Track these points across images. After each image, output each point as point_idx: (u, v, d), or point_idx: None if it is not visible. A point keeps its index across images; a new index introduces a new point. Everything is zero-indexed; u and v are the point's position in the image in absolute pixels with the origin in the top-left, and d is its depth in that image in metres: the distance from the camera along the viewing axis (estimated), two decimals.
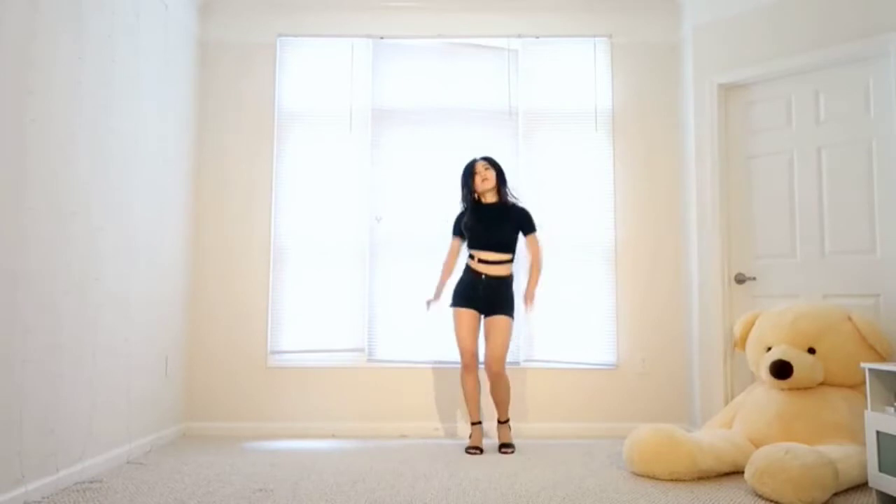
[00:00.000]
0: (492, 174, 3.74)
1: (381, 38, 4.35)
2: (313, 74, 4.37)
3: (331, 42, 4.36)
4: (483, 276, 3.67)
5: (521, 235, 3.78)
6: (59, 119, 2.79)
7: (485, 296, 3.65)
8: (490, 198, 3.78)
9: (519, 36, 4.34)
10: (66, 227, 2.83)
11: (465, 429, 4.07)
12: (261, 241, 4.24)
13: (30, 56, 2.60)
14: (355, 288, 4.24)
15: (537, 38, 4.35)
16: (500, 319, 3.62)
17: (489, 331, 3.63)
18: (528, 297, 3.75)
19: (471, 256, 3.73)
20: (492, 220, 3.73)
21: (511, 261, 3.72)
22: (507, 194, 3.80)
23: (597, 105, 4.32)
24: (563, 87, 4.35)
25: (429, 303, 3.88)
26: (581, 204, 4.28)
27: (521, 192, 4.28)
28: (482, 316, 3.68)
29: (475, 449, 3.57)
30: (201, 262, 4.21)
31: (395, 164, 4.31)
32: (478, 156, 3.84)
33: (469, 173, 3.77)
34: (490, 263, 3.68)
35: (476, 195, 3.78)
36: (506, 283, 3.70)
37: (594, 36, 4.35)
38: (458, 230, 3.83)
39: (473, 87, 4.35)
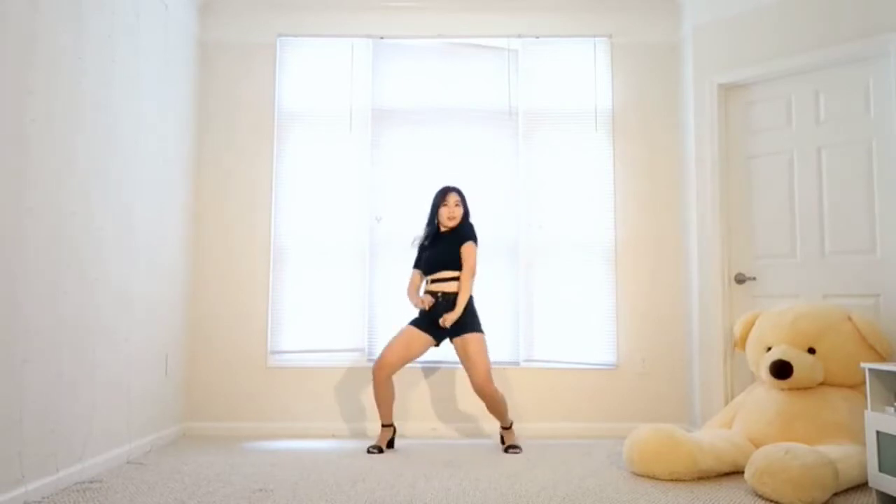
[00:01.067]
0: (459, 212, 3.70)
1: (381, 38, 4.35)
2: (313, 74, 4.37)
3: (331, 42, 4.36)
4: (439, 295, 3.62)
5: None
6: (59, 119, 2.79)
7: (444, 308, 3.59)
8: (447, 228, 3.74)
9: (519, 36, 4.35)
10: (66, 227, 2.83)
11: (465, 429, 4.07)
12: (261, 241, 4.24)
13: (30, 56, 2.60)
14: (355, 288, 4.24)
15: (537, 38, 4.35)
16: (471, 338, 3.55)
17: (465, 354, 3.54)
18: (447, 319, 3.55)
19: (427, 283, 3.70)
20: (441, 244, 3.69)
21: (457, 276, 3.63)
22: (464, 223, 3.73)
23: (597, 105, 4.32)
24: (563, 87, 4.35)
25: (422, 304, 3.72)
26: (581, 204, 4.28)
27: (521, 192, 4.29)
28: (448, 340, 3.63)
29: (375, 448, 3.55)
30: (201, 262, 4.21)
31: (395, 164, 4.31)
32: (451, 185, 3.79)
33: (438, 203, 3.74)
34: (443, 281, 3.63)
35: (437, 221, 3.76)
36: (467, 301, 3.61)
37: (594, 36, 4.35)
38: (420, 262, 3.77)
39: (473, 87, 4.35)
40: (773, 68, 3.70)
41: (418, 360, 4.01)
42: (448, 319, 3.54)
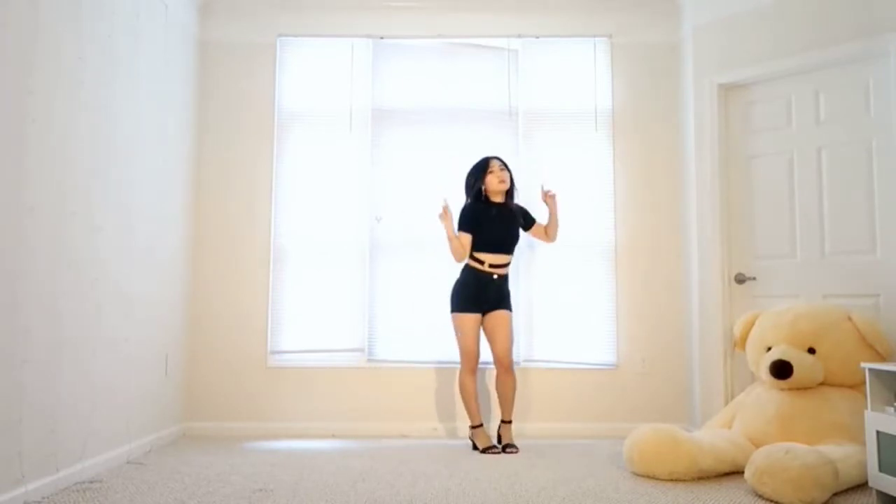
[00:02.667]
0: (507, 176, 3.77)
1: (381, 38, 4.35)
2: (313, 74, 4.37)
3: (331, 42, 4.36)
4: (495, 277, 3.69)
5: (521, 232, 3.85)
6: (60, 119, 2.79)
7: (494, 296, 3.69)
8: (499, 198, 3.79)
9: (519, 36, 4.35)
10: (66, 227, 2.83)
11: (465, 429, 4.07)
12: (261, 241, 4.24)
13: (30, 56, 2.60)
14: (355, 288, 4.24)
15: (537, 38, 4.35)
16: (504, 315, 3.69)
17: (495, 327, 3.67)
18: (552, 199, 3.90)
19: (477, 259, 3.69)
20: (505, 222, 3.75)
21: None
22: (514, 197, 3.84)
23: (597, 105, 4.32)
24: (563, 87, 4.35)
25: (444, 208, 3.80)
26: (581, 204, 4.28)
27: (522, 192, 4.28)
28: (482, 315, 3.70)
29: (493, 448, 3.57)
30: (201, 262, 4.21)
31: (395, 164, 4.31)
32: (489, 154, 3.83)
33: (482, 170, 3.75)
34: (501, 266, 3.71)
35: (485, 194, 3.76)
36: (507, 280, 3.78)
37: (594, 36, 4.35)
38: (468, 226, 3.73)
39: (473, 87, 4.35)
40: (773, 68, 3.70)
41: (419, 360, 4.03)
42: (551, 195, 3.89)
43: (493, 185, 3.73)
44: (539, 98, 4.35)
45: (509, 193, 3.80)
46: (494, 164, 3.76)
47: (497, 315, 3.68)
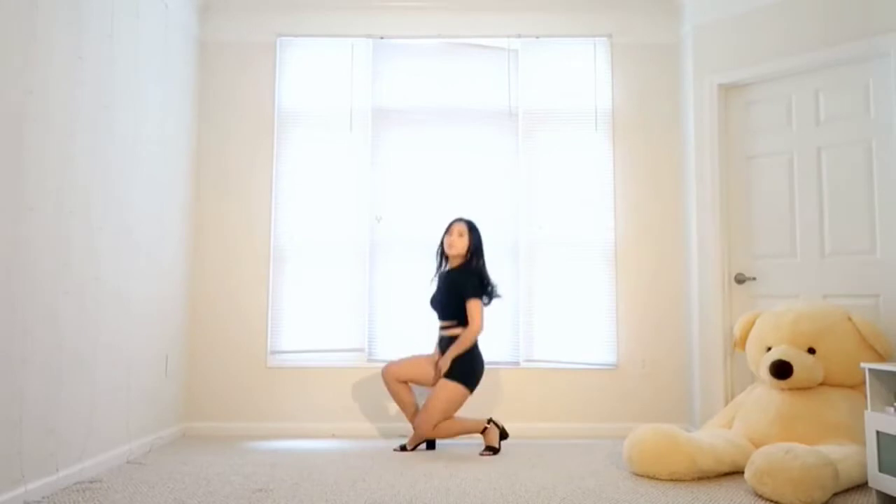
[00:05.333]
0: (462, 242, 3.65)
1: (381, 38, 4.35)
2: (313, 74, 4.37)
3: (331, 42, 4.36)
4: (444, 338, 3.65)
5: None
6: (59, 119, 2.79)
7: (445, 349, 3.62)
8: (454, 262, 3.72)
9: (519, 36, 4.34)
10: (66, 227, 2.83)
11: None
12: (261, 241, 4.24)
13: (30, 55, 2.60)
14: (355, 288, 4.24)
15: (537, 38, 4.35)
16: (445, 385, 3.51)
17: (431, 394, 3.55)
18: (439, 365, 3.58)
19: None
20: (441, 288, 3.70)
21: (458, 325, 3.59)
22: (474, 262, 3.65)
23: (597, 105, 4.32)
24: (563, 88, 4.35)
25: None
26: (581, 204, 4.28)
27: (522, 192, 4.29)
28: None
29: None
30: (201, 262, 4.21)
31: (395, 164, 4.31)
32: (464, 216, 3.78)
33: (446, 230, 3.73)
34: (445, 329, 3.66)
35: (444, 256, 3.75)
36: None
37: (594, 36, 4.35)
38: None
39: (473, 87, 4.35)
40: (773, 68, 3.70)
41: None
42: (439, 366, 3.57)
43: (445, 247, 3.72)
44: (539, 98, 4.35)
45: (471, 257, 3.65)
46: (454, 227, 3.69)
47: (439, 383, 3.53)
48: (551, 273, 4.24)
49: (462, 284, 3.60)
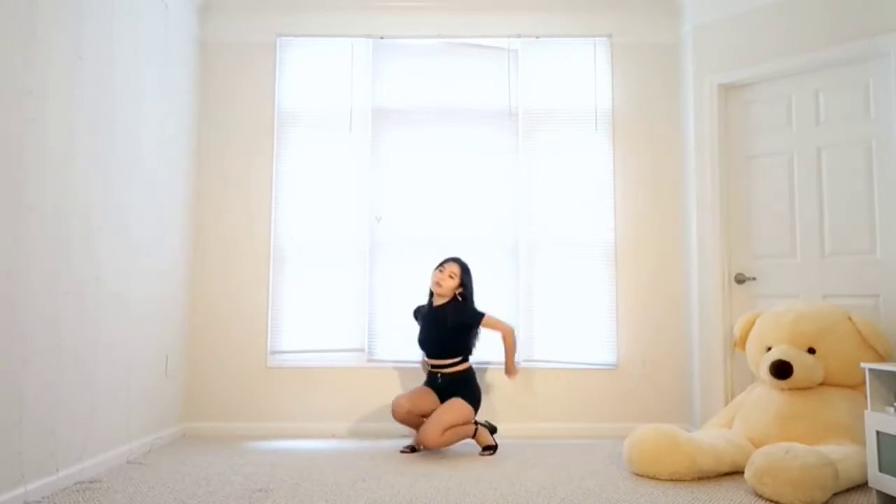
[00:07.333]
0: (451, 284, 3.66)
1: (381, 38, 4.35)
2: (313, 74, 4.36)
3: (331, 42, 4.36)
4: (438, 377, 3.65)
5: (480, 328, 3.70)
6: (59, 119, 2.79)
7: (443, 387, 3.62)
8: (439, 300, 3.72)
9: (519, 36, 4.34)
10: (66, 227, 2.83)
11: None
12: (261, 241, 4.24)
13: (29, 55, 2.60)
14: (355, 288, 4.24)
15: (537, 38, 4.35)
16: (454, 402, 3.52)
17: (440, 408, 3.51)
18: (509, 371, 3.74)
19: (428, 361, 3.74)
20: (432, 326, 3.69)
21: (462, 360, 3.65)
22: (461, 301, 3.69)
23: (597, 105, 4.32)
24: (563, 87, 4.35)
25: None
26: (581, 204, 4.28)
27: (522, 192, 4.29)
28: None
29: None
30: (201, 262, 4.20)
31: (395, 164, 4.31)
32: (456, 256, 3.79)
33: (437, 267, 3.74)
34: (440, 367, 3.66)
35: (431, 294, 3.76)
36: (463, 378, 3.63)
37: (594, 36, 4.35)
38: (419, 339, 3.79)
39: (473, 87, 4.35)
40: (773, 68, 3.70)
41: (419, 360, 4.00)
42: (513, 372, 3.73)
43: (433, 286, 3.72)
44: (539, 98, 4.35)
45: (458, 296, 3.68)
46: (446, 266, 3.70)
47: (448, 401, 3.53)
48: (551, 273, 4.24)
49: (463, 313, 3.66)
